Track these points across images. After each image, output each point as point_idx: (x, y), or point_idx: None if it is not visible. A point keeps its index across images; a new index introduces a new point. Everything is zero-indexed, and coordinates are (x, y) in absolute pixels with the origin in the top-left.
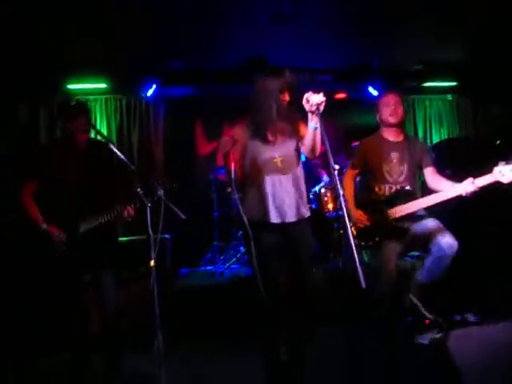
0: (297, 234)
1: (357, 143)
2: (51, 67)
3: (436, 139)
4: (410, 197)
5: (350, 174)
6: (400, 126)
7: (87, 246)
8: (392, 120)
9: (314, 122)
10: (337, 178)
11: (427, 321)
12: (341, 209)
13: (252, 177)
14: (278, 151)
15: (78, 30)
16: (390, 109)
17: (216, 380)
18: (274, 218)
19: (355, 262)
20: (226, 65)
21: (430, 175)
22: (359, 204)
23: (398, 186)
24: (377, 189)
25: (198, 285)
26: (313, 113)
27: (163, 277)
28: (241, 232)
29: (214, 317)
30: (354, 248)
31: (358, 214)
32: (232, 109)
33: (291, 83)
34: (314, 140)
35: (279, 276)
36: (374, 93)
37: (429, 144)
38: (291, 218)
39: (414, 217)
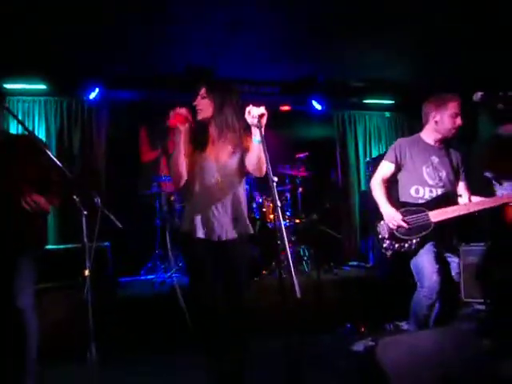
0: (230, 252)
1: (301, 155)
2: None
3: (375, 153)
4: (452, 201)
5: (384, 173)
6: None
7: None
8: (454, 132)
9: (257, 136)
10: (275, 189)
11: (363, 329)
12: (278, 220)
13: (189, 185)
14: (220, 168)
15: (18, 27)
16: (457, 120)
17: None
18: (201, 234)
19: (291, 272)
20: (173, 71)
21: (463, 190)
22: (396, 204)
23: (439, 190)
24: (413, 191)
25: (139, 294)
26: (255, 126)
27: (102, 285)
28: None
29: (153, 327)
30: (289, 258)
31: (394, 213)
32: None
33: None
34: (258, 156)
35: (208, 290)
36: (318, 106)
37: (368, 158)
38: (223, 236)
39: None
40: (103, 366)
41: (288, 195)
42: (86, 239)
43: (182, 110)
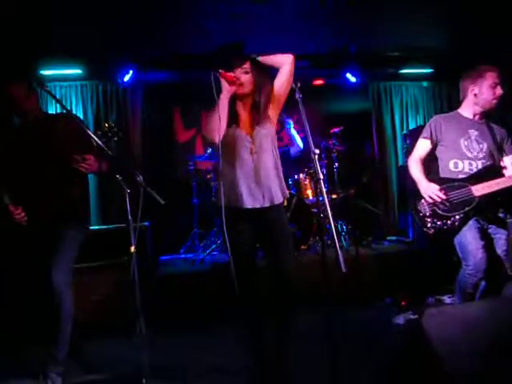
0: (272, 219)
1: (336, 129)
2: (24, 52)
3: (412, 126)
4: (496, 173)
5: (420, 150)
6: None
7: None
8: (495, 102)
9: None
10: (317, 162)
11: (403, 303)
12: (321, 193)
13: (226, 157)
14: (253, 141)
15: (52, 14)
16: (497, 91)
17: (199, 363)
18: (248, 203)
19: (335, 246)
20: (205, 49)
21: (509, 162)
22: (434, 180)
23: (479, 163)
24: (452, 165)
25: (179, 272)
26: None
27: (144, 265)
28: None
29: (195, 304)
30: (334, 233)
31: (433, 189)
32: (210, 96)
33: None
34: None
35: (252, 263)
36: (352, 79)
37: (405, 131)
38: (266, 203)
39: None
40: (151, 339)
41: (324, 170)
42: (129, 217)
43: (230, 73)
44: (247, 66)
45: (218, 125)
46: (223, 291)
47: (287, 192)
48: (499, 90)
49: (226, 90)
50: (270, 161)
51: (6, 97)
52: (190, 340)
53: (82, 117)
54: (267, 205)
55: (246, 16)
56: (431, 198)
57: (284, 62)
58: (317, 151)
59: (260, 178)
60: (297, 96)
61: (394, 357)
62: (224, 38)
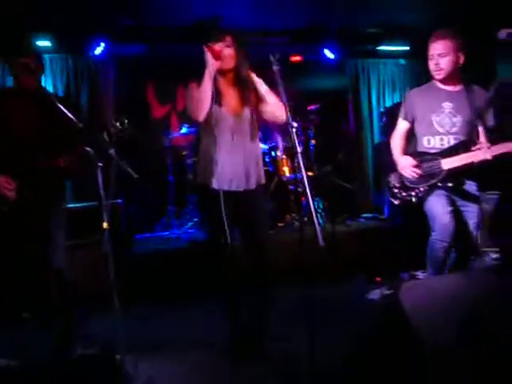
0: (248, 202)
1: (313, 106)
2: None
3: (389, 103)
4: (469, 147)
5: (399, 130)
6: (453, 75)
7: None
8: (437, 76)
9: (263, 85)
10: (295, 135)
11: (378, 278)
12: (299, 168)
13: (208, 136)
14: (235, 119)
15: None
16: (432, 62)
17: (174, 337)
18: (217, 185)
19: (313, 220)
20: (179, 24)
21: (483, 135)
22: (412, 154)
23: (451, 138)
24: (425, 141)
25: (154, 249)
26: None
27: (118, 242)
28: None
29: (171, 281)
30: (312, 208)
31: (405, 161)
32: (186, 70)
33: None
34: (271, 102)
35: (226, 239)
36: (330, 55)
37: (381, 108)
38: (240, 186)
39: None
40: (126, 316)
41: (301, 147)
42: (101, 191)
43: (218, 47)
44: (229, 40)
45: (206, 103)
46: (199, 268)
47: (264, 179)
48: (436, 62)
49: (212, 65)
50: (250, 143)
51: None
52: (165, 316)
53: (51, 90)
54: (243, 188)
55: None
56: (409, 174)
57: (279, 115)
58: (295, 124)
59: (241, 160)
60: (274, 68)
61: (370, 331)
62: (199, 10)
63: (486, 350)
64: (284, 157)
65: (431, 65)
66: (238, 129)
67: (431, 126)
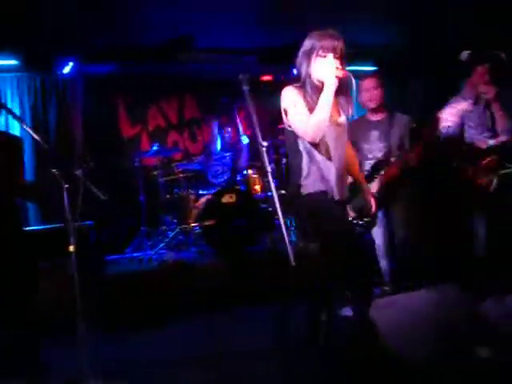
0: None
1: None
2: None
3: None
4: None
5: None
6: (380, 106)
7: None
8: (370, 105)
9: None
10: (265, 154)
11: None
12: (269, 186)
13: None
14: (335, 129)
15: None
16: (367, 94)
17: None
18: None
19: (284, 240)
20: (150, 43)
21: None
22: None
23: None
24: (363, 166)
25: (126, 271)
26: None
27: (88, 265)
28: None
29: (143, 303)
30: (283, 226)
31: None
32: (157, 89)
33: None
34: None
35: None
36: None
37: None
38: (340, 195)
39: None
40: (96, 339)
41: (273, 166)
42: (68, 214)
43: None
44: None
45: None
46: (172, 289)
47: None
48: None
49: (336, 84)
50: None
51: None
52: (138, 338)
53: (18, 110)
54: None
55: (192, 8)
56: None
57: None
58: (265, 143)
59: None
60: (243, 87)
61: (344, 347)
62: (171, 30)
63: (458, 362)
64: (255, 175)
65: (366, 96)
66: (338, 137)
67: (363, 153)
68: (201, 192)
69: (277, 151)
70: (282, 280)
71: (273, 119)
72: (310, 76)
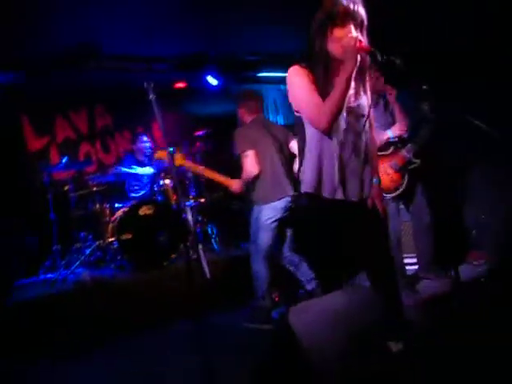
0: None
1: (200, 132)
2: None
3: None
4: None
5: None
6: None
7: None
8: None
9: None
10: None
11: (276, 298)
12: (183, 197)
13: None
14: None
15: None
16: None
17: None
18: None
19: (198, 254)
20: (54, 50)
21: None
22: None
23: None
24: None
25: (36, 296)
26: None
27: None
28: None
29: (55, 329)
30: (196, 241)
31: None
32: (64, 99)
33: None
34: None
35: None
36: (213, 82)
37: None
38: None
39: None
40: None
41: (190, 174)
42: None
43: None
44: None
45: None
46: (88, 311)
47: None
48: None
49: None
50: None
51: None
52: (52, 368)
53: None
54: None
55: (101, 16)
56: None
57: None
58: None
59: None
60: (150, 97)
61: (263, 357)
62: (76, 37)
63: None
64: (172, 185)
65: None
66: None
67: None
68: (117, 205)
69: (193, 158)
70: (197, 293)
71: (188, 126)
72: (324, 52)
